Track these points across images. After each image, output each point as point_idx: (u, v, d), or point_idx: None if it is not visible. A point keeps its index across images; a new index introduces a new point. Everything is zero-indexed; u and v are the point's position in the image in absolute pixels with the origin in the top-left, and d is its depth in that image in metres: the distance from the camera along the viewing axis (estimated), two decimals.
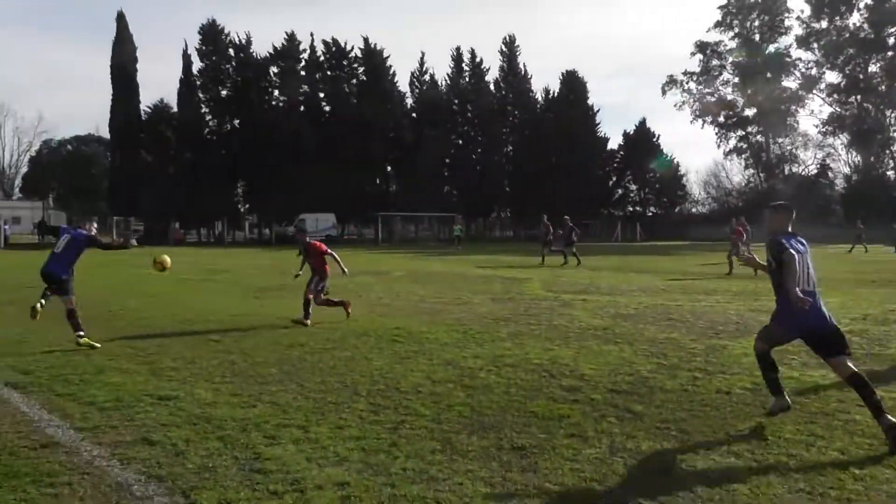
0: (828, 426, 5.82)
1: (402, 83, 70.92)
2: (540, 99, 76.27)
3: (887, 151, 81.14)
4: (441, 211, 64.34)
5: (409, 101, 71.57)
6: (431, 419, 5.99)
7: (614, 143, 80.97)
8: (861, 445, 5.33)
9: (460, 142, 72.21)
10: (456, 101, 72.16)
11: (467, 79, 72.55)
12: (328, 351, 9.04)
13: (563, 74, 75.59)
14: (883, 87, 79.16)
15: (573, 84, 75.04)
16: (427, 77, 71.67)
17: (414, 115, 69.72)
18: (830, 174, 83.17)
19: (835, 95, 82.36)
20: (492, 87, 73.51)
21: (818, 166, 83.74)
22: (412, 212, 64.60)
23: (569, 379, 7.46)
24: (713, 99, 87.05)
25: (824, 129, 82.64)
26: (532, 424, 5.82)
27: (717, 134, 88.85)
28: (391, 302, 14.60)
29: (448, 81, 72.29)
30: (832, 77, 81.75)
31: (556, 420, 5.95)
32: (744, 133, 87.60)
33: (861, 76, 78.83)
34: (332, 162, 60.01)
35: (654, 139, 79.93)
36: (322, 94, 66.92)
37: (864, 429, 5.69)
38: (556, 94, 75.45)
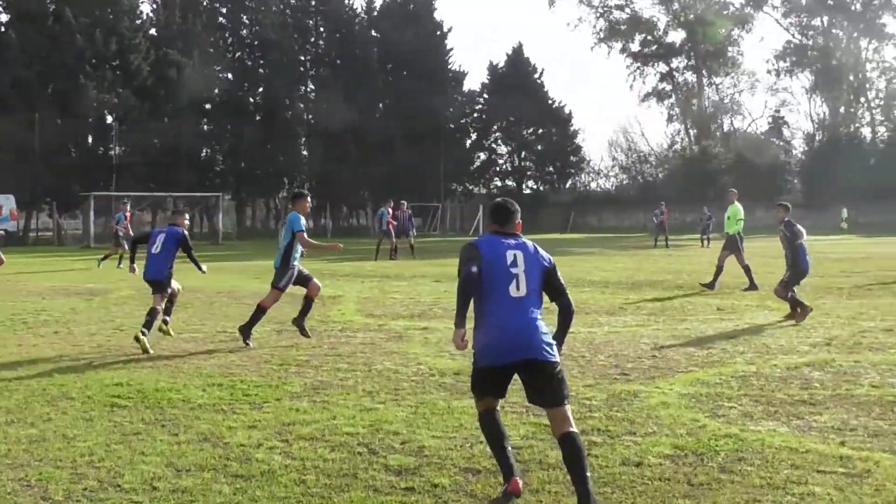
0: None
1: None
2: (360, 9, 76.85)
3: (863, 100, 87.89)
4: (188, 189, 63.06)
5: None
6: None
7: (474, 80, 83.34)
8: None
9: (229, 76, 71.39)
10: (224, 12, 71.25)
11: None
12: None
13: None
14: (858, 5, 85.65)
15: None
16: None
17: (153, 31, 68.21)
18: (787, 132, 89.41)
19: (794, 16, 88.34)
20: None
21: (770, 119, 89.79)
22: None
23: (399, 455, 7.49)
24: (624, 16, 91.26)
25: (778, 67, 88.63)
26: None
27: (629, 69, 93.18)
28: (118, 341, 14.17)
29: None
30: None
31: None
32: (667, 69, 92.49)
33: None
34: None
35: (536, 75, 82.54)
36: None
37: None
38: (385, 3, 76.36)
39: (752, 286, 20.87)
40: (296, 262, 13.63)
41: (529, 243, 6.58)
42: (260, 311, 13.65)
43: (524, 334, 6.31)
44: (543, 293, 6.56)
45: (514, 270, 6.39)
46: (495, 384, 6.59)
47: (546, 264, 6.57)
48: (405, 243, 36.00)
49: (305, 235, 13.56)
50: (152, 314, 13.53)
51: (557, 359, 6.38)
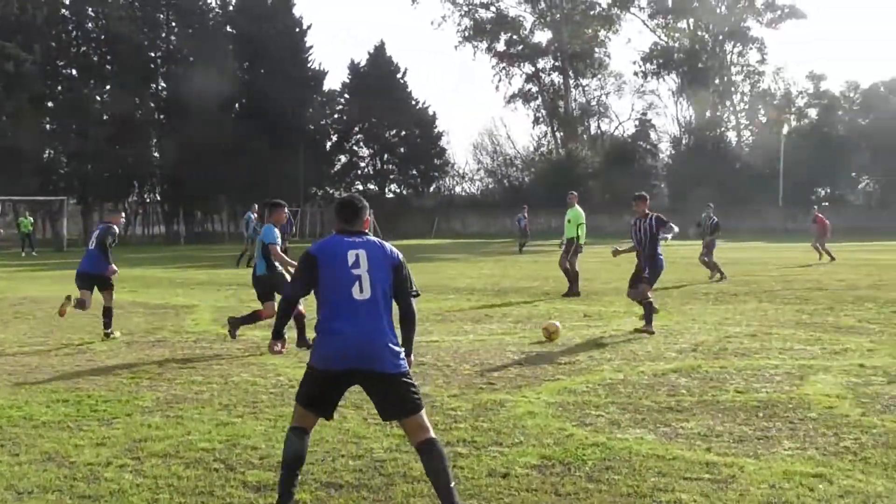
0: None
1: None
2: (214, 3, 76.08)
3: (728, 103, 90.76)
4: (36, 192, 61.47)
5: None
6: None
7: (335, 80, 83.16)
8: None
9: (73, 72, 69.86)
10: (67, 3, 69.70)
11: None
12: None
13: None
14: (723, 8, 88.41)
15: None
16: None
17: None
18: (654, 135, 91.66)
19: (660, 18, 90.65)
20: None
21: (637, 123, 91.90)
22: None
23: (258, 471, 7.47)
24: (490, 14, 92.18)
25: (645, 69, 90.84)
26: None
27: (495, 69, 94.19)
28: None
29: None
30: None
31: None
32: (533, 70, 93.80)
33: None
34: None
35: (399, 75, 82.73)
36: None
37: None
38: None
39: (572, 292, 21.60)
40: (278, 266, 13.88)
41: (376, 240, 6.50)
42: (300, 316, 13.66)
43: (366, 341, 6.22)
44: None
45: (356, 272, 6.29)
46: (325, 392, 6.44)
47: (394, 260, 6.47)
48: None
49: (278, 249, 13.82)
50: (107, 314, 15.43)
51: (404, 367, 6.31)
